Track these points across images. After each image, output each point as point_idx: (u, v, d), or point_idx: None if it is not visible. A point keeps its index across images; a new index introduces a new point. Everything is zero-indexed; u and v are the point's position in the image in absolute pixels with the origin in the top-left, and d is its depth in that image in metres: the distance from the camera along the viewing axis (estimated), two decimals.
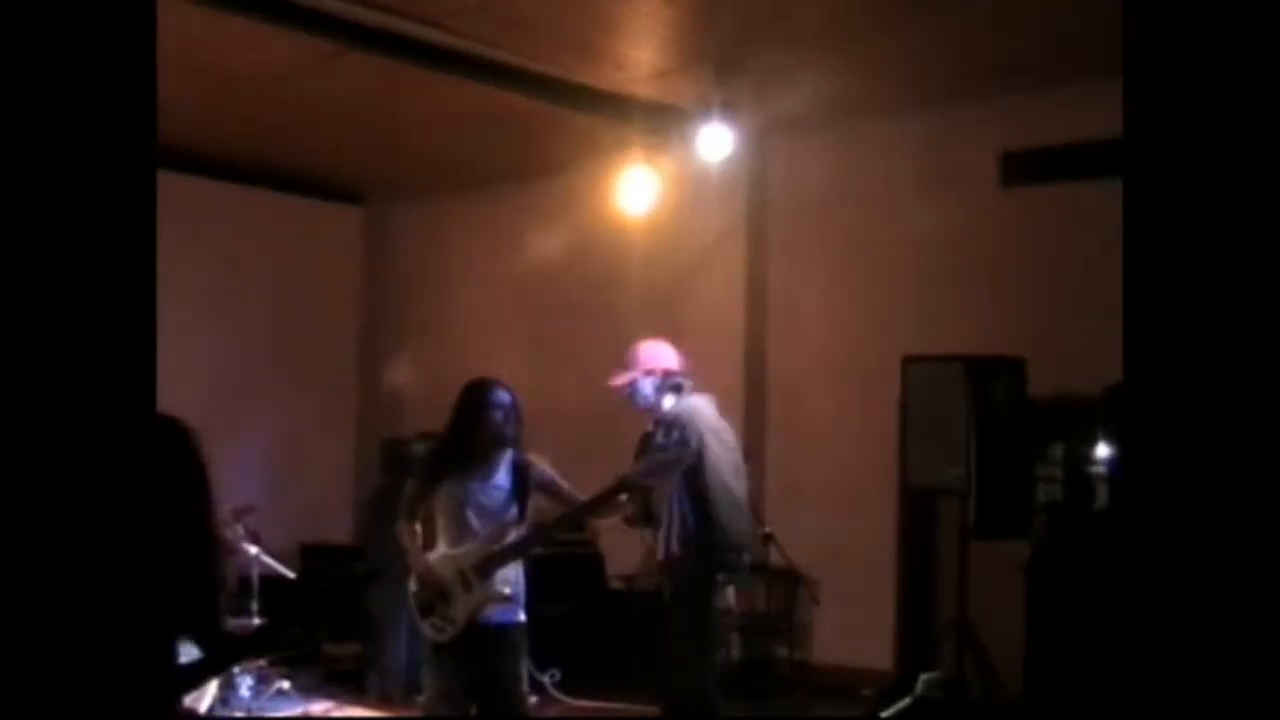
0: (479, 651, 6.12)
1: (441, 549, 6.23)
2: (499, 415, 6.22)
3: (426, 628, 6.22)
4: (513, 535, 6.23)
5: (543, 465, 6.42)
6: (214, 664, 4.17)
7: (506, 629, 6.20)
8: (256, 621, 9.66)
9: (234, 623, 8.62)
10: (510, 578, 6.23)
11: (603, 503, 6.45)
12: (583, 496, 6.43)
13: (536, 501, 6.40)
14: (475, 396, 6.28)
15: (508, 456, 6.30)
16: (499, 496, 6.24)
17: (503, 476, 6.28)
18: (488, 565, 6.12)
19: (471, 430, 6.23)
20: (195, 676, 4.11)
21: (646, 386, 7.03)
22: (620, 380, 7.07)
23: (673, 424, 6.91)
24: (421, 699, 6.44)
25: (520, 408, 6.34)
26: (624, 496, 6.54)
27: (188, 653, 3.88)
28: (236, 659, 6.24)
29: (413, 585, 6.27)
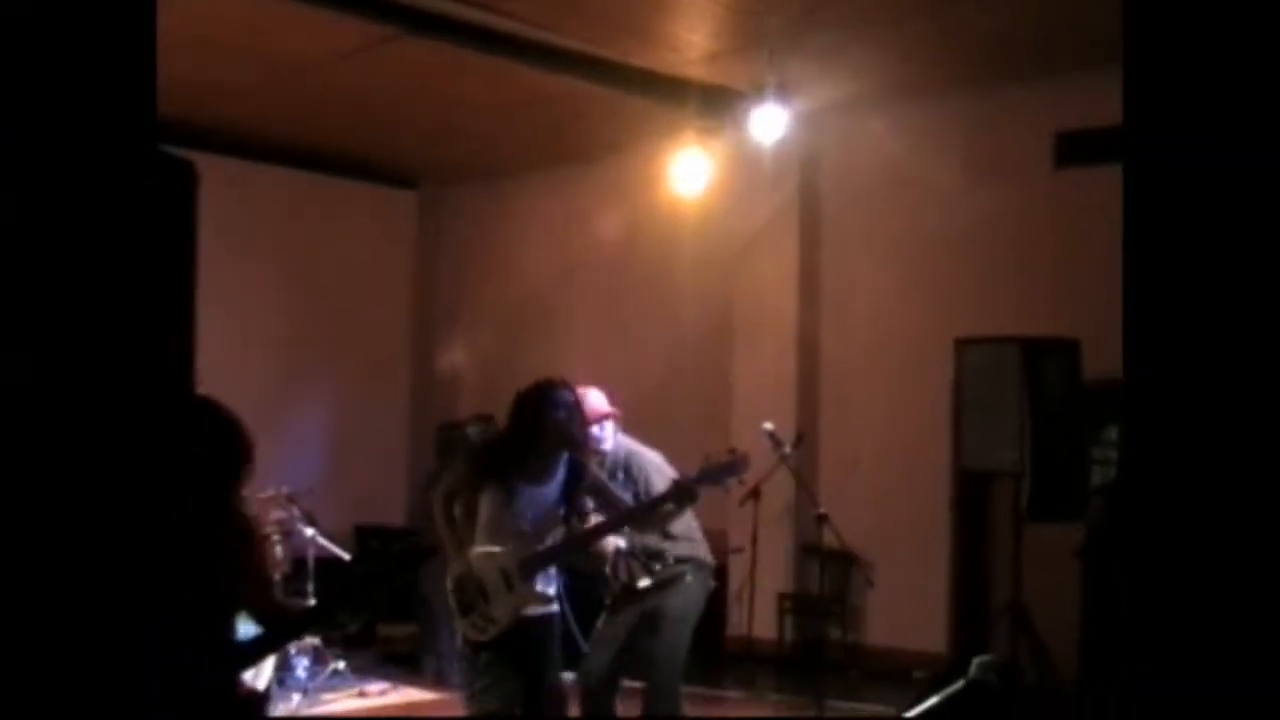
0: (520, 644, 6.02)
1: (481, 545, 6.06)
2: (564, 416, 6.07)
3: (465, 626, 6.07)
4: (555, 535, 6.14)
5: (596, 469, 6.35)
6: (271, 640, 4.21)
7: (545, 621, 6.13)
8: (313, 602, 9.74)
9: (290, 602, 8.66)
10: (551, 576, 6.16)
11: (649, 510, 6.40)
12: (627, 502, 6.39)
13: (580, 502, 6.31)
14: (542, 398, 6.10)
15: (565, 456, 6.17)
16: (551, 497, 6.12)
17: (558, 477, 6.14)
18: (532, 566, 6.01)
19: (537, 432, 6.06)
20: (253, 652, 4.15)
21: (604, 432, 6.93)
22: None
23: (616, 465, 6.87)
24: (467, 694, 6.33)
25: (583, 408, 6.25)
26: (669, 506, 6.44)
27: (246, 630, 3.92)
28: (293, 635, 6.23)
29: (450, 584, 6.13)
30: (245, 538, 3.85)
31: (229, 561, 3.71)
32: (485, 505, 6.10)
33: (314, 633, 8.44)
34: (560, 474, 6.16)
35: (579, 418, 6.18)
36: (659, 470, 6.87)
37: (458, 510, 6.20)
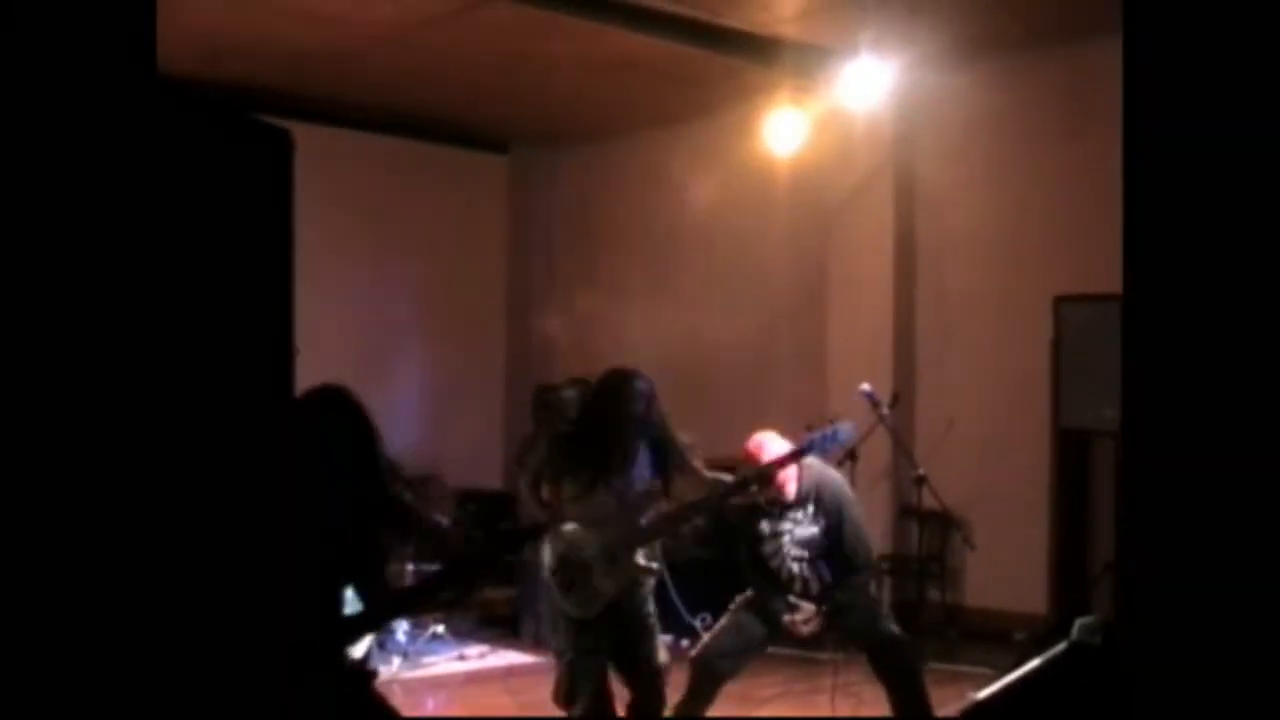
0: (613, 617, 6.03)
1: (577, 525, 6.06)
2: (640, 407, 6.03)
3: (568, 604, 6.06)
4: (653, 511, 6.12)
5: (682, 440, 6.24)
6: (375, 616, 4.23)
7: (636, 592, 6.12)
8: (410, 567, 9.81)
9: (389, 569, 8.71)
10: (651, 550, 6.15)
11: (738, 491, 6.33)
12: (707, 474, 6.28)
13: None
14: (616, 391, 6.10)
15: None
16: (641, 475, 6.11)
17: (644, 460, 6.13)
18: (633, 540, 6.01)
19: (614, 425, 6.06)
20: (357, 628, 4.17)
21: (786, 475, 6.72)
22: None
23: (805, 498, 6.74)
24: (560, 664, 6.31)
25: (655, 392, 6.13)
26: (753, 488, 6.41)
27: (350, 604, 3.94)
28: (397, 613, 6.26)
29: (550, 561, 6.11)
30: (371, 519, 3.89)
31: (344, 540, 3.73)
32: (574, 487, 6.08)
33: (418, 610, 8.45)
34: (644, 456, 6.14)
35: (653, 404, 6.11)
36: (851, 503, 6.79)
37: (544, 492, 6.20)
